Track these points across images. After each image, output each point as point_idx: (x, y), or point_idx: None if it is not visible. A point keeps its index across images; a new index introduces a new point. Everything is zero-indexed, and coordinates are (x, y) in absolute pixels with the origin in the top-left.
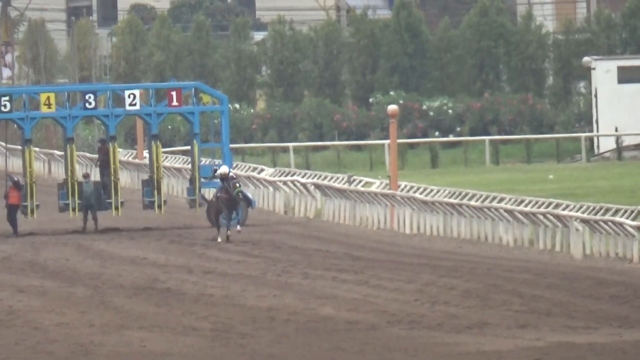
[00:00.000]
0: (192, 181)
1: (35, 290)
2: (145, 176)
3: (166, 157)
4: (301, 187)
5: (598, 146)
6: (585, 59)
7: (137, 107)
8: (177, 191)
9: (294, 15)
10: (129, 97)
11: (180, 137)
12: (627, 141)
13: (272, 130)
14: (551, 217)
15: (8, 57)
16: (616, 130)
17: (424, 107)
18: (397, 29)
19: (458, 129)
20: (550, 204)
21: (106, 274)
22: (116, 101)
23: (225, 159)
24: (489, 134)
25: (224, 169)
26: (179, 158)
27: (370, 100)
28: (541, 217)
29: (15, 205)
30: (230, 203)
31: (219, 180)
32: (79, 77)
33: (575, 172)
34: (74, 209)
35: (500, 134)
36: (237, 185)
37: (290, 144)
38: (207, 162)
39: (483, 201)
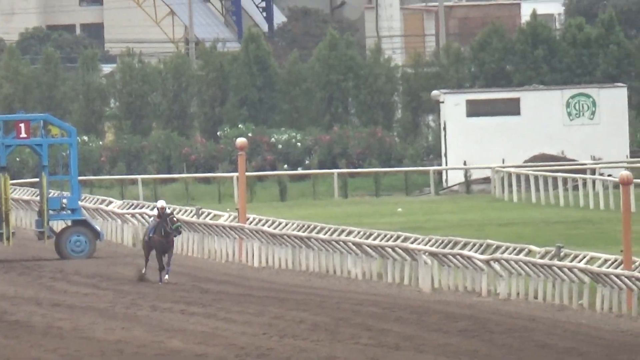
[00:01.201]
0: (40, 213)
1: None
2: None
3: (14, 189)
4: (149, 220)
5: (447, 179)
6: (434, 92)
7: None
8: (26, 223)
9: (143, 48)
10: None
11: (29, 169)
12: (476, 175)
13: (121, 162)
14: (400, 251)
15: None
16: (465, 163)
17: (273, 140)
18: (246, 61)
19: (307, 162)
20: (398, 237)
21: None
22: None
23: (73, 191)
24: (337, 167)
25: (160, 203)
26: (28, 190)
27: (219, 133)
28: (390, 250)
29: None
30: (164, 246)
31: (154, 217)
32: None
33: (424, 206)
34: None
35: (349, 167)
36: (175, 220)
37: (139, 177)
38: (56, 195)
39: (331, 234)
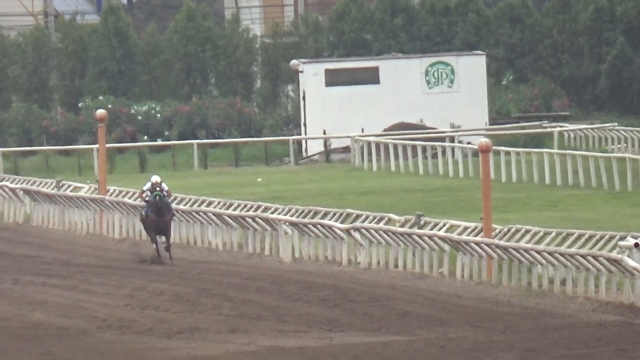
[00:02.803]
0: None
1: None
2: None
3: None
4: (10, 193)
5: (306, 149)
6: (293, 62)
7: None
8: None
9: (2, 21)
10: None
11: None
12: (335, 144)
13: None
14: (260, 221)
15: None
16: (324, 133)
17: (133, 111)
18: (106, 33)
19: (166, 133)
20: (259, 207)
21: None
22: None
23: None
24: (197, 138)
25: (155, 178)
26: None
27: (79, 105)
28: (250, 220)
29: None
30: (160, 226)
31: (149, 192)
32: None
33: (284, 175)
34: None
35: (208, 138)
36: (158, 189)
37: None
38: None
39: (192, 205)
